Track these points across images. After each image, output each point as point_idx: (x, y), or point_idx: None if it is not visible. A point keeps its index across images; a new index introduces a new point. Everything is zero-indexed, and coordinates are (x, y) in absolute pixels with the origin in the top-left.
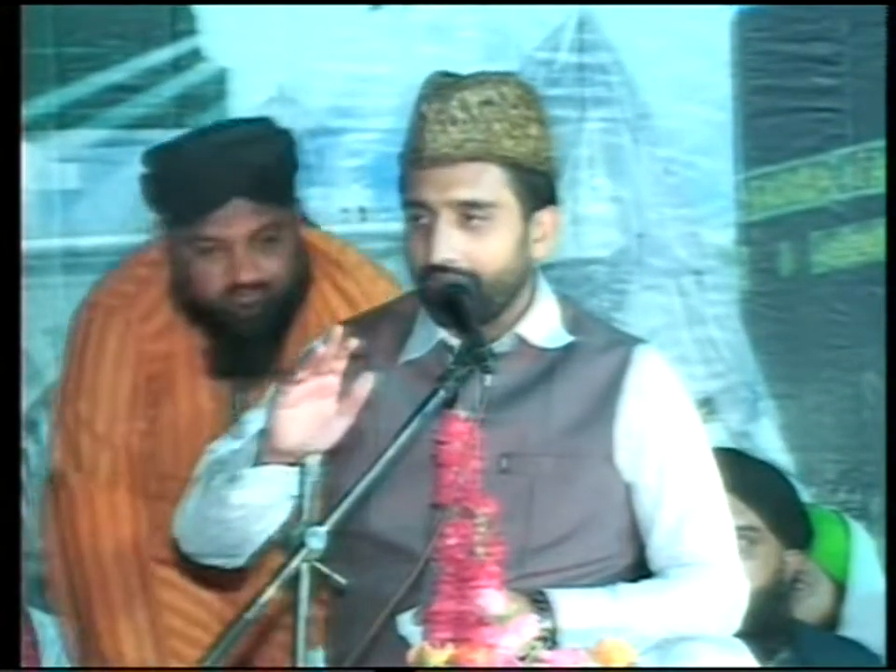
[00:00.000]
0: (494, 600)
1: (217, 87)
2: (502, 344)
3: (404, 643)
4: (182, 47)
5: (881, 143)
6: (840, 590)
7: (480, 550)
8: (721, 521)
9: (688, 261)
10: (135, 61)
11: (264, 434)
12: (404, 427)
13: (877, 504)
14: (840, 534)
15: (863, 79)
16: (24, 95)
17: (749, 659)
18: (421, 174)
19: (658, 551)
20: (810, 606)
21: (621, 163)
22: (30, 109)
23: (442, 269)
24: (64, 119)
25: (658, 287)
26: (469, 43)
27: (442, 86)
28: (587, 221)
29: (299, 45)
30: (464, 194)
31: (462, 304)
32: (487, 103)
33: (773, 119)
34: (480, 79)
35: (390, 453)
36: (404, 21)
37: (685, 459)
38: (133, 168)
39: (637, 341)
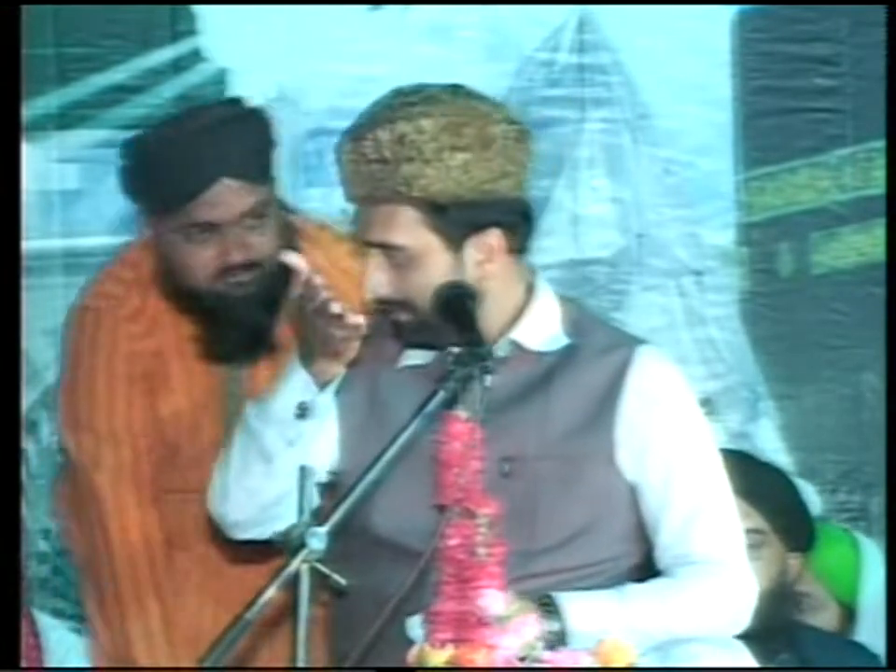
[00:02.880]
0: (494, 601)
1: (217, 87)
2: (499, 349)
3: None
4: (182, 47)
5: (881, 143)
6: (849, 612)
7: (481, 550)
8: (729, 519)
9: (688, 262)
10: (135, 61)
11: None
12: (405, 427)
13: (877, 504)
14: (850, 556)
15: (863, 80)
16: (24, 95)
17: (748, 659)
18: (356, 210)
19: (665, 550)
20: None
21: (621, 164)
22: (30, 110)
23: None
24: (64, 120)
25: (658, 287)
26: (469, 43)
27: (363, 122)
28: (587, 222)
29: (299, 45)
30: (377, 236)
31: (463, 306)
32: (399, 141)
33: (773, 120)
34: (403, 113)
35: (390, 453)
36: (404, 20)
37: (690, 458)
38: None
39: (638, 342)
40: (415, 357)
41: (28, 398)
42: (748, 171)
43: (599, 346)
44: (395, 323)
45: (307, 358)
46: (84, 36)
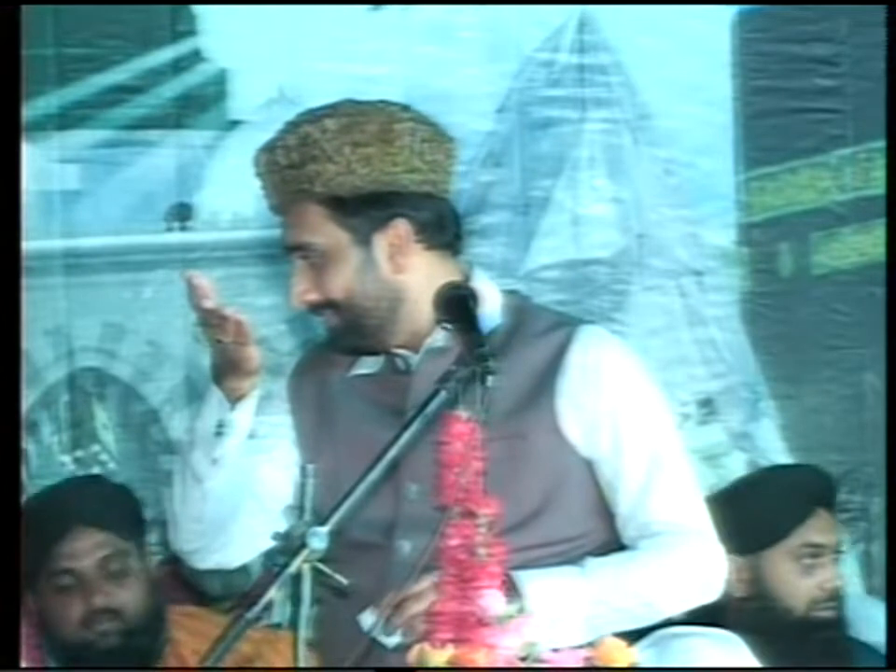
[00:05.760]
0: (495, 601)
1: (217, 88)
2: (435, 341)
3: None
4: (182, 47)
5: (881, 143)
6: None
7: (481, 550)
8: (687, 485)
9: (688, 262)
10: (136, 61)
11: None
12: (405, 427)
13: (877, 504)
14: None
15: (863, 80)
16: (24, 96)
17: (746, 654)
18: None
19: (626, 521)
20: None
21: (621, 164)
22: (30, 110)
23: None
24: (65, 120)
25: (658, 287)
26: (469, 43)
27: (276, 135)
28: (587, 222)
29: (299, 45)
30: (292, 239)
31: (464, 306)
32: (303, 142)
33: (773, 120)
34: (309, 117)
35: (392, 453)
36: (404, 20)
37: (641, 427)
38: (134, 169)
39: (581, 322)
40: (365, 366)
41: (28, 398)
42: (748, 171)
43: (542, 327)
44: (328, 331)
45: (216, 376)
46: (84, 36)
